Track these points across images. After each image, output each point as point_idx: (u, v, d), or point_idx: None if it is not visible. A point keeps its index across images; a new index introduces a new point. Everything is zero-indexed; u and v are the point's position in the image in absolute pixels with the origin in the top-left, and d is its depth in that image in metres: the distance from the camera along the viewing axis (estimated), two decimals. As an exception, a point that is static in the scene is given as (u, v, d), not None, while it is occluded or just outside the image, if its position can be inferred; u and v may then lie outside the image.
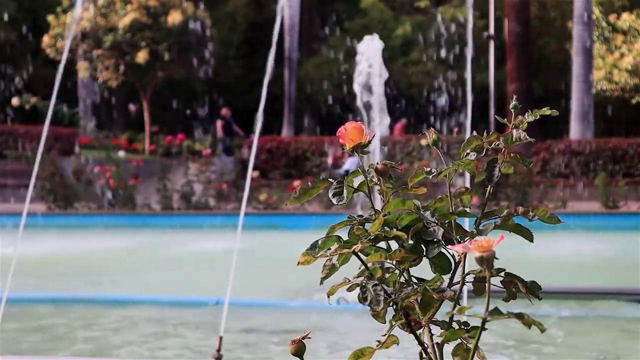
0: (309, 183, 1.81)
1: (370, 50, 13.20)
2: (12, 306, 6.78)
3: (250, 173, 7.01)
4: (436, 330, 1.73)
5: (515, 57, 27.21)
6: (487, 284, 1.58)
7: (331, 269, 1.76)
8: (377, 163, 1.80)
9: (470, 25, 10.85)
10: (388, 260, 1.75)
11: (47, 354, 6.91)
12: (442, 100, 30.15)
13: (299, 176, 25.38)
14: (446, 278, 1.74)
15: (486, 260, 1.55)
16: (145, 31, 29.25)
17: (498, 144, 1.79)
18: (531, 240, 1.79)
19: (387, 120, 13.98)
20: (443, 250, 1.76)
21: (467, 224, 1.99)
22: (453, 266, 1.76)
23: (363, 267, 1.76)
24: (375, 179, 1.79)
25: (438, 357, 1.72)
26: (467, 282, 1.74)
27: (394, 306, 1.73)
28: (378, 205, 1.78)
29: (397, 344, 1.75)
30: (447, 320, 1.72)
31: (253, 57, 35.18)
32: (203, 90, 33.78)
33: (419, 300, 1.72)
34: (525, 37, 27.74)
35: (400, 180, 1.80)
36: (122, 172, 22.61)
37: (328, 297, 1.77)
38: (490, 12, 21.74)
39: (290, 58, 31.65)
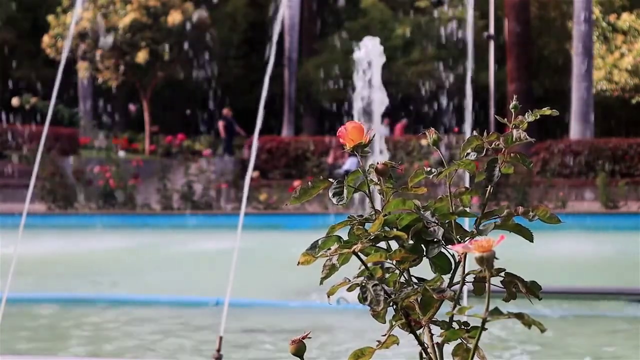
0: (309, 183, 1.81)
1: (370, 54, 13.20)
2: (12, 306, 6.78)
3: (250, 173, 7.00)
4: (436, 330, 1.73)
5: (515, 57, 27.22)
6: (487, 284, 1.58)
7: (331, 269, 1.76)
8: (377, 163, 1.80)
9: (470, 26, 10.85)
10: (388, 260, 1.75)
11: (47, 354, 6.91)
12: (442, 100, 30.14)
13: (299, 176, 25.38)
14: (446, 278, 1.74)
15: (486, 260, 1.55)
16: (145, 31, 29.26)
17: (498, 144, 1.79)
18: (531, 240, 1.79)
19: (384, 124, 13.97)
20: (443, 250, 1.76)
21: (467, 224, 1.99)
22: (453, 266, 1.76)
23: (363, 267, 1.76)
24: (375, 179, 1.79)
25: (438, 357, 1.72)
26: (467, 282, 1.74)
27: (394, 306, 1.73)
28: (378, 205, 1.78)
29: (397, 344, 1.75)
30: (447, 320, 1.72)
31: (253, 57, 35.19)
32: (203, 90, 33.78)
33: (419, 300, 1.72)
34: (525, 37, 27.74)
35: (401, 180, 1.80)
36: (122, 172, 22.61)
37: (328, 297, 1.77)
38: (490, 12, 21.73)
39: (290, 58, 31.66)
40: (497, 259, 1.57)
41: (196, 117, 33.50)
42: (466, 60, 20.46)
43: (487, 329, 1.62)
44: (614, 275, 11.67)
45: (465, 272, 1.74)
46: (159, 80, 31.20)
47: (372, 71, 13.05)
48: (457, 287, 1.74)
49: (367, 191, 1.81)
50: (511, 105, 1.88)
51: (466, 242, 1.69)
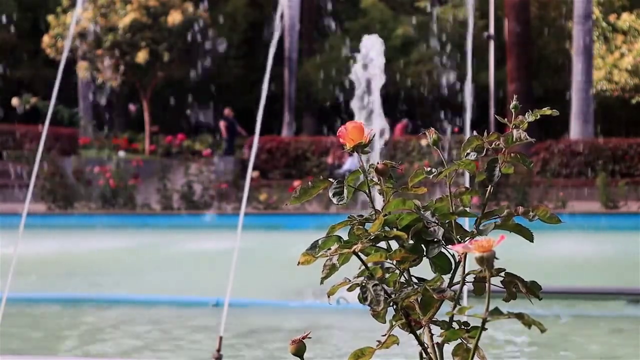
0: (309, 183, 1.81)
1: (370, 53, 13.16)
2: (12, 306, 6.78)
3: (250, 173, 7.01)
4: (436, 330, 1.73)
5: (515, 57, 27.21)
6: (487, 284, 1.58)
7: (331, 269, 1.76)
8: (377, 163, 1.80)
9: (470, 25, 10.85)
10: (388, 260, 1.75)
11: (47, 353, 6.92)
12: (442, 100, 30.14)
13: (299, 176, 25.37)
14: (446, 278, 1.74)
15: (486, 260, 1.55)
16: (145, 31, 29.26)
17: (498, 144, 1.79)
18: (531, 240, 1.79)
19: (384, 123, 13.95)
20: (443, 250, 1.76)
21: (467, 224, 1.99)
22: (453, 266, 1.76)
23: (363, 267, 1.76)
24: (375, 179, 1.79)
25: (438, 357, 1.72)
26: (467, 282, 1.74)
27: (394, 306, 1.73)
28: (378, 205, 1.78)
29: (397, 344, 1.75)
30: (447, 320, 1.72)
31: (253, 57, 35.18)
32: (203, 90, 33.78)
33: (419, 300, 1.72)
34: (525, 37, 27.74)
35: (401, 180, 1.80)
36: (122, 172, 22.60)
37: (328, 297, 1.77)
38: (490, 12, 21.76)
39: (290, 58, 31.65)
40: (497, 259, 1.57)
41: (196, 117, 33.53)
42: (466, 60, 20.46)
43: (487, 329, 1.63)
44: (614, 275, 11.67)
45: (466, 272, 1.74)
46: (159, 80, 31.20)
47: (372, 71, 13.02)
48: (457, 287, 1.74)
49: (367, 191, 1.81)
50: (511, 105, 1.88)
51: (466, 242, 1.69)
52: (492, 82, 23.21)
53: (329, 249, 1.75)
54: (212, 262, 12.84)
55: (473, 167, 1.80)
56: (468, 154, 1.80)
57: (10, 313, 6.58)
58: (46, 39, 30.33)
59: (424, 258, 1.76)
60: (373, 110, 12.42)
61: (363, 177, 1.80)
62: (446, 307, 1.72)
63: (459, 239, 1.76)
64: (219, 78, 33.37)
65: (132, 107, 34.90)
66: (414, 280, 1.76)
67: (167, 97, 34.22)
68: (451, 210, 1.78)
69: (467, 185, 1.83)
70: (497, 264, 1.59)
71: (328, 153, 26.02)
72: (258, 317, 8.47)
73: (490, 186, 1.80)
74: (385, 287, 1.73)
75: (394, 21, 35.37)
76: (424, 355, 1.73)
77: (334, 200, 1.79)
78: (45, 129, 6.79)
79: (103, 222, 19.65)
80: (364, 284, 1.73)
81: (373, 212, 1.77)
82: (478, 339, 1.66)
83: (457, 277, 1.75)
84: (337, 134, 1.82)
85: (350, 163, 23.18)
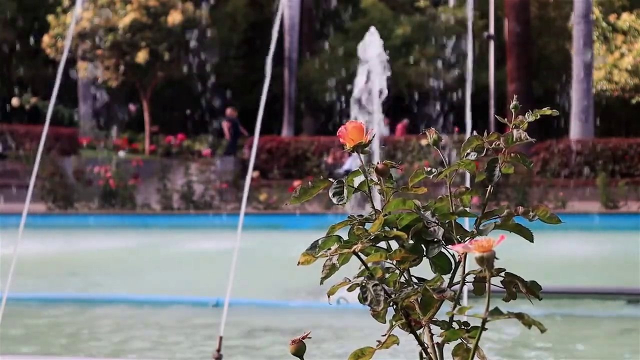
0: (309, 183, 1.81)
1: (370, 55, 13.18)
2: (12, 306, 6.78)
3: (250, 173, 7.00)
4: (436, 330, 1.73)
5: (515, 57, 27.21)
6: (487, 284, 1.58)
7: (331, 269, 1.76)
8: (378, 163, 1.80)
9: (470, 26, 10.85)
10: (388, 260, 1.75)
11: (47, 354, 6.92)
12: (442, 100, 30.14)
13: (299, 176, 25.36)
14: (446, 278, 1.74)
15: (486, 260, 1.55)
16: (145, 31, 29.26)
17: (498, 144, 1.79)
18: (531, 240, 1.79)
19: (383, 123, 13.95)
20: (443, 250, 1.76)
21: (467, 224, 1.99)
22: (453, 266, 1.76)
23: (363, 267, 1.76)
24: (375, 179, 1.79)
25: (438, 357, 1.72)
26: (467, 282, 1.74)
27: (394, 306, 1.73)
28: (378, 205, 1.78)
29: (397, 344, 1.75)
30: (447, 320, 1.72)
31: (253, 57, 35.17)
32: (203, 90, 33.78)
33: (419, 300, 1.72)
34: (525, 37, 27.73)
35: (401, 180, 1.80)
36: (122, 172, 22.60)
37: (328, 297, 1.77)
38: (490, 12, 21.72)
39: (290, 58, 31.65)
40: (497, 259, 1.57)
41: (196, 117, 33.50)
42: (466, 60, 20.46)
43: (487, 329, 1.62)
44: (614, 275, 11.67)
45: (466, 272, 1.74)
46: (159, 80, 31.20)
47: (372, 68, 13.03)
48: (457, 287, 1.74)
49: (367, 191, 1.81)
50: (511, 105, 1.88)
51: (466, 242, 1.69)
52: (492, 82, 23.19)
53: (329, 249, 1.74)
54: (212, 262, 12.84)
55: (473, 167, 1.80)
56: (468, 154, 1.80)
57: (10, 313, 6.58)
58: (46, 39, 30.33)
59: (424, 258, 1.76)
60: (373, 109, 12.44)
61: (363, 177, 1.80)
62: (446, 307, 1.72)
63: (459, 239, 1.76)
64: (219, 78, 33.35)
65: (132, 107, 34.91)
66: (414, 280, 1.76)
67: (167, 97, 34.23)
68: (451, 210, 1.78)
69: (467, 185, 1.83)
70: (497, 264, 1.59)
71: (328, 153, 26.02)
72: (258, 317, 8.47)
73: (490, 186, 1.80)
74: (385, 287, 1.73)
75: (394, 21, 35.36)
76: (424, 355, 1.73)
77: (334, 200, 1.79)
78: (45, 129, 6.79)
79: (103, 222, 19.65)
80: (364, 284, 1.73)
81: (373, 212, 1.77)
82: (478, 339, 1.66)
83: (457, 277, 1.75)
84: (337, 134, 1.82)
85: (350, 163, 23.17)
